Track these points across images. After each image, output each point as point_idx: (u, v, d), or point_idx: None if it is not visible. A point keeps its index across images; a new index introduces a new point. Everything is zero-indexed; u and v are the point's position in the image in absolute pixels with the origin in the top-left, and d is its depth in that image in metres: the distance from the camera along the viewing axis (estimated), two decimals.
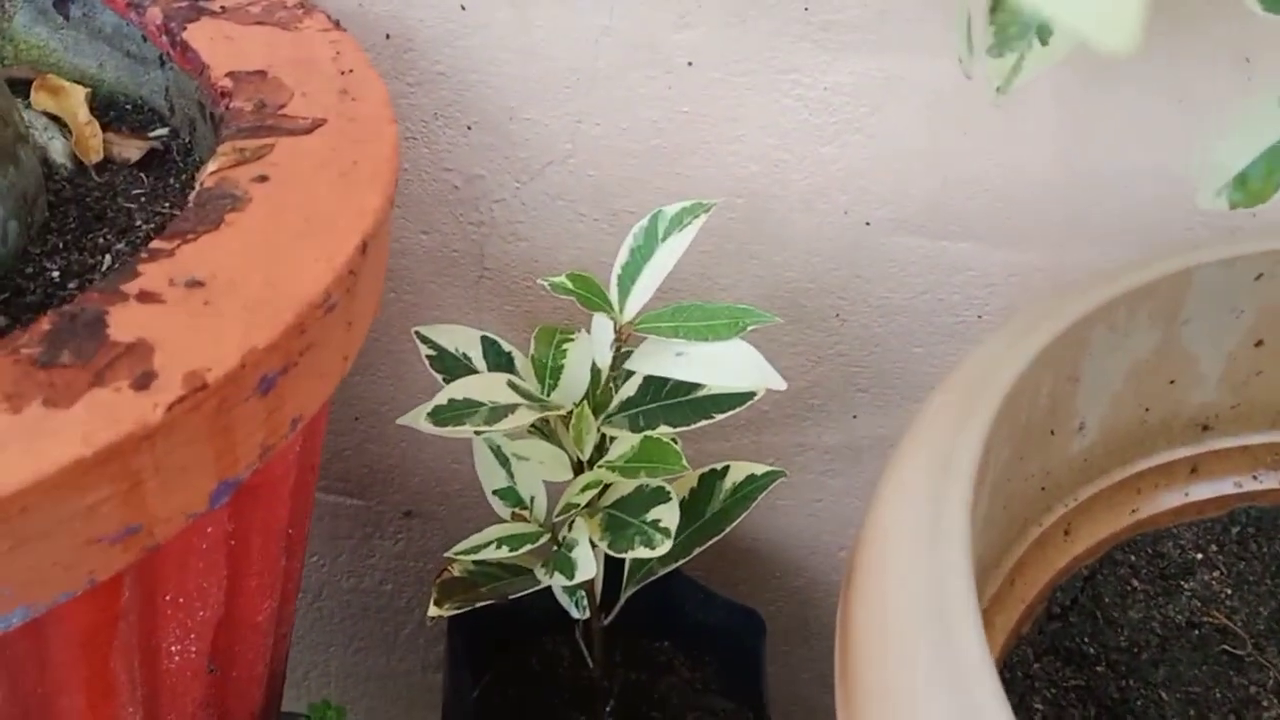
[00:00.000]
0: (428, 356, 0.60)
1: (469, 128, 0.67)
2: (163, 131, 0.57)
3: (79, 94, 0.57)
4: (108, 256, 0.49)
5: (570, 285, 0.55)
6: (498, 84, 0.65)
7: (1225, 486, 0.60)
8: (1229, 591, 0.57)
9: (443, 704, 0.69)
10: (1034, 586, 0.56)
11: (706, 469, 0.62)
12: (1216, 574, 0.58)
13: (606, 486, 0.58)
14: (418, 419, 0.55)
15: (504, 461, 0.61)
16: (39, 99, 0.57)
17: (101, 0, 0.58)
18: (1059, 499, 0.56)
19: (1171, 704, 0.53)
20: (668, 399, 0.57)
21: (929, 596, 0.39)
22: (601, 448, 0.59)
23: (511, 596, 0.58)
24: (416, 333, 0.61)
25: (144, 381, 0.36)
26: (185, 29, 0.54)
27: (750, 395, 0.56)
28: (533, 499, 0.61)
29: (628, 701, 0.70)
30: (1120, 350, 0.54)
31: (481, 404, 0.54)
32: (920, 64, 0.61)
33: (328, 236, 0.43)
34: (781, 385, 0.53)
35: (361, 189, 0.46)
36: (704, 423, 0.56)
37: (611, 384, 0.59)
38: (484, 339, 0.61)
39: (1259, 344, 0.57)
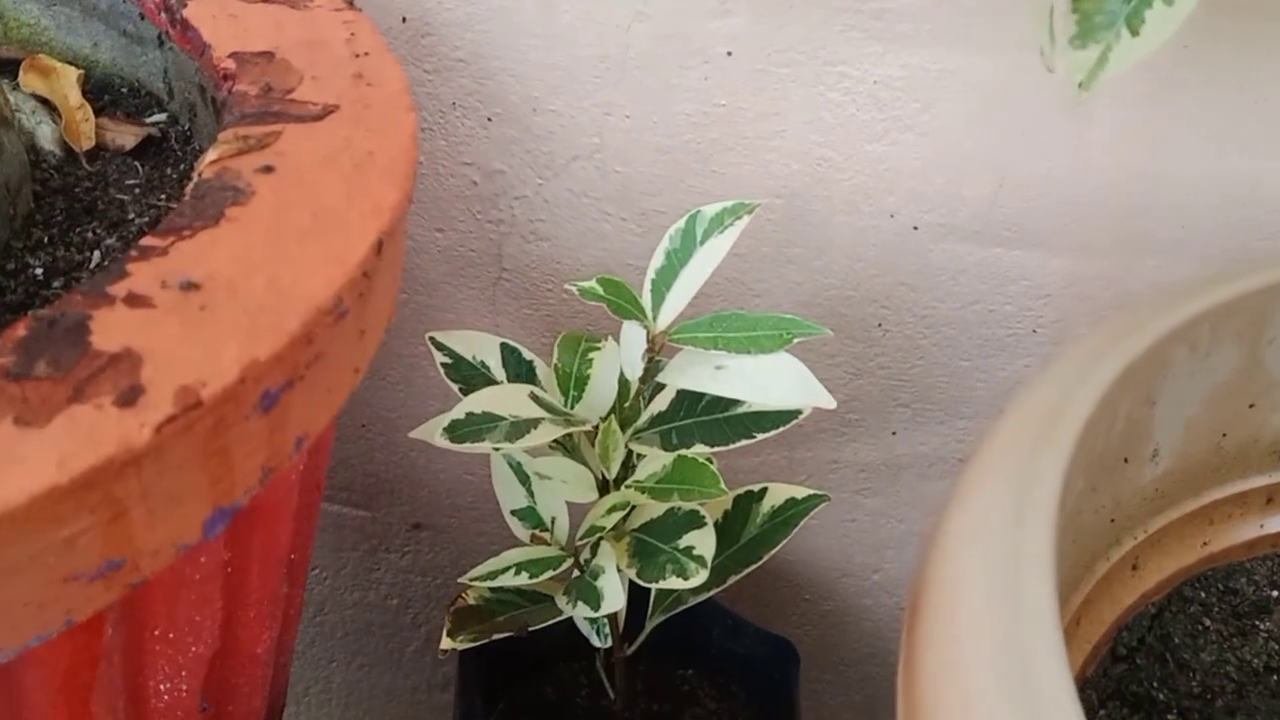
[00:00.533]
0: (443, 364, 0.56)
1: (489, 119, 0.62)
2: (160, 117, 0.53)
3: (71, 76, 0.53)
4: (97, 253, 0.45)
5: (600, 290, 0.51)
6: (521, 72, 0.60)
7: None
8: None
9: None
10: (1100, 626, 0.52)
11: (742, 490, 0.57)
12: None
13: (633, 508, 0.54)
14: (433, 434, 0.50)
15: (524, 480, 0.57)
16: (28, 80, 0.53)
17: None
18: (1128, 531, 0.52)
19: None
20: (703, 415, 0.53)
21: (1011, 654, 0.34)
22: (628, 466, 0.55)
23: (532, 629, 0.54)
24: (431, 339, 0.57)
25: (130, 397, 0.32)
26: (185, 6, 0.50)
27: (795, 414, 0.51)
28: (554, 520, 0.57)
29: None
30: (1200, 371, 0.49)
31: (502, 418, 0.50)
32: (978, 58, 0.57)
33: (339, 235, 0.39)
34: (831, 404, 0.48)
35: (377, 182, 0.41)
36: (744, 442, 0.51)
37: (641, 398, 0.54)
38: (503, 346, 0.57)
39: None
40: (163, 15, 0.51)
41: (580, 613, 0.52)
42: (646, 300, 0.51)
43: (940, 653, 0.37)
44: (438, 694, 0.89)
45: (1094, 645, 0.51)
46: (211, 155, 0.41)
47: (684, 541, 0.51)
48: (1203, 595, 0.54)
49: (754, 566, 0.56)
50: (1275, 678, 0.51)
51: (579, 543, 0.54)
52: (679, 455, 0.52)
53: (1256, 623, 0.54)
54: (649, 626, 0.59)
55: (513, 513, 0.57)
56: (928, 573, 0.40)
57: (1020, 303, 0.63)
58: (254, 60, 0.47)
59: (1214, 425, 0.52)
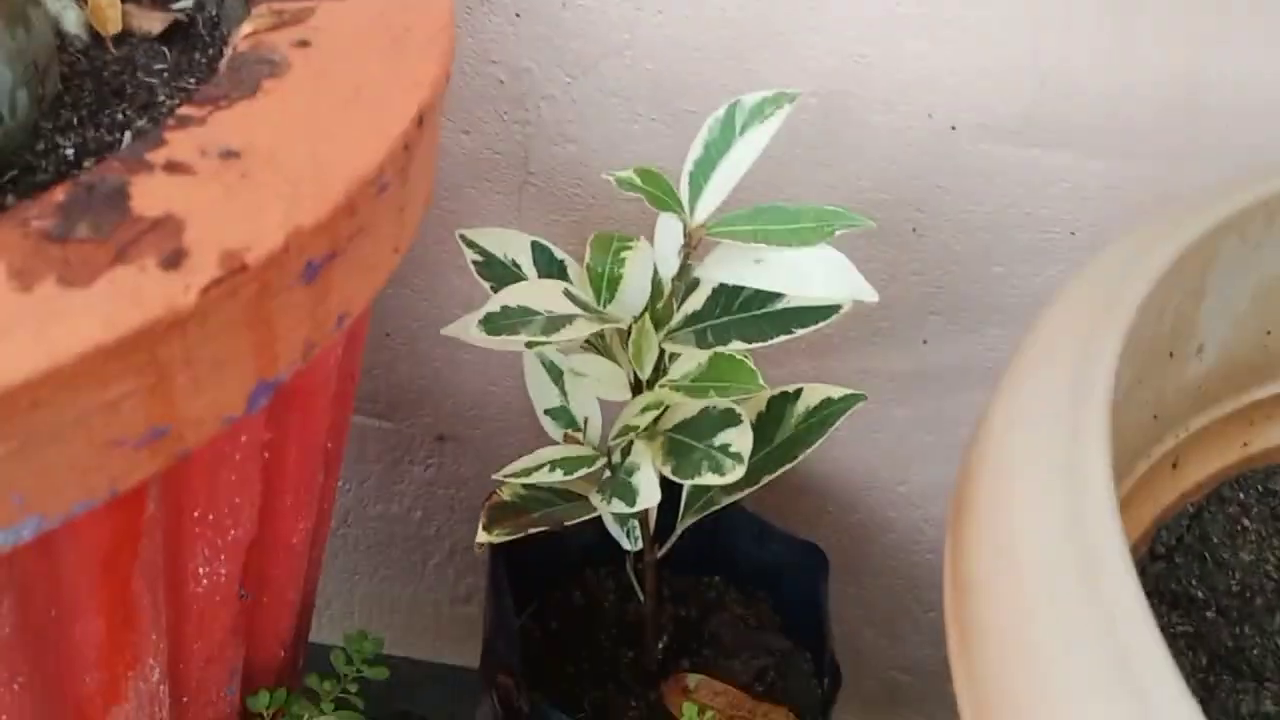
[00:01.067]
0: (474, 262, 0.55)
1: (517, 15, 0.61)
2: (187, 3, 0.51)
3: None
4: (128, 134, 0.44)
5: (638, 181, 0.50)
6: None
7: None
8: None
9: (484, 633, 0.64)
10: (1139, 525, 0.51)
11: (777, 391, 0.57)
12: None
13: (666, 409, 0.53)
14: (466, 328, 0.50)
15: (557, 379, 0.56)
16: None
17: None
18: (1170, 428, 0.51)
19: None
20: (740, 312, 0.52)
21: (1070, 527, 0.34)
22: (660, 367, 0.54)
23: (567, 524, 0.53)
24: (461, 236, 0.56)
25: (174, 260, 0.31)
26: None
27: (836, 309, 0.50)
28: (587, 420, 0.56)
29: (678, 638, 0.66)
30: (1250, 265, 0.48)
31: (537, 313, 0.49)
32: None
33: (380, 107, 0.38)
34: (874, 297, 0.47)
35: (415, 57, 0.40)
36: (783, 338, 0.50)
37: (674, 297, 0.54)
38: (534, 244, 0.56)
39: None
40: None
41: (616, 509, 0.51)
42: (684, 192, 0.50)
43: (993, 530, 0.36)
44: (460, 606, 0.89)
45: (1133, 543, 0.50)
46: (246, 28, 0.40)
47: (720, 439, 0.51)
48: (1241, 496, 0.54)
49: (788, 466, 0.55)
50: None
51: (612, 442, 0.54)
52: (715, 352, 0.51)
53: None
54: (680, 528, 0.59)
55: (546, 412, 0.56)
56: (977, 453, 0.39)
57: (1058, 206, 0.62)
58: None
59: (1260, 322, 0.51)
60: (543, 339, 0.48)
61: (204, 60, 0.49)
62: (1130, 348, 0.41)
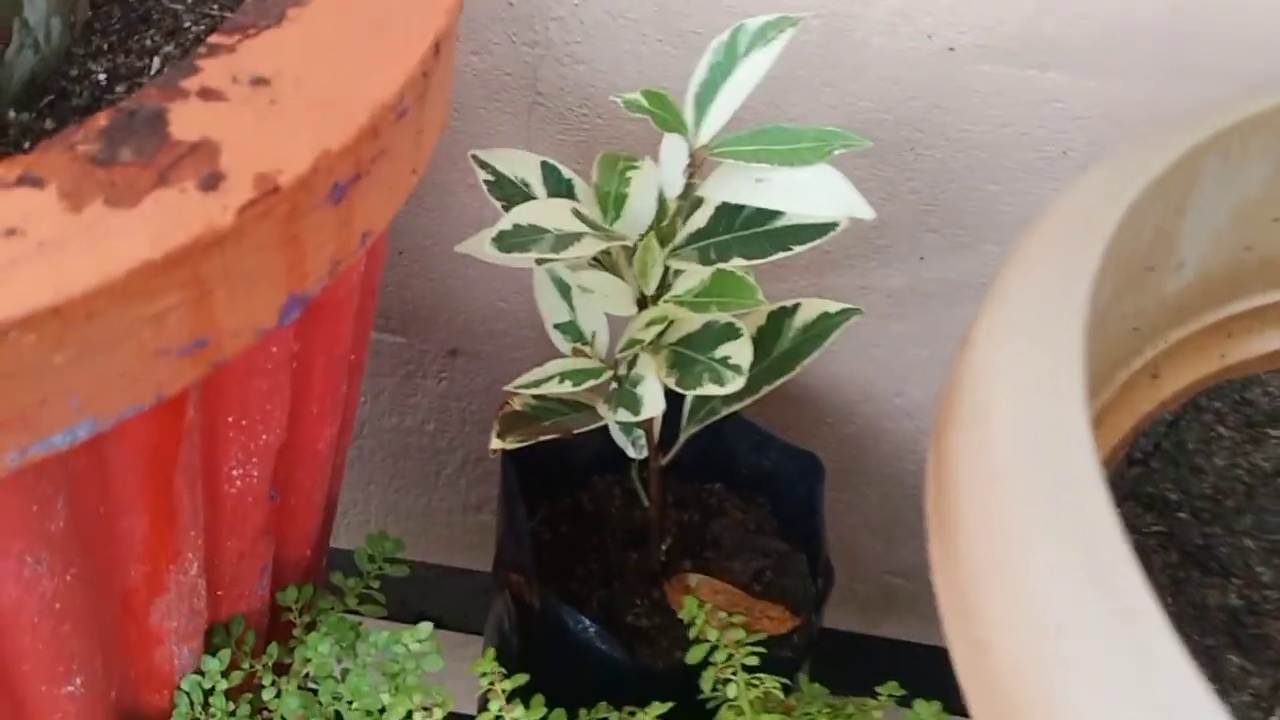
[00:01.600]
0: (485, 181, 0.57)
1: None
2: None
3: None
4: (156, 59, 0.46)
5: (644, 103, 0.51)
6: None
7: None
8: None
9: (497, 534, 0.68)
10: (1118, 432, 0.54)
11: (775, 306, 0.59)
12: None
13: (670, 323, 0.56)
14: (480, 246, 0.52)
15: (565, 294, 0.59)
16: None
17: None
18: (1149, 341, 0.54)
19: (1257, 552, 0.51)
20: (742, 229, 0.54)
21: (1042, 430, 0.36)
22: (665, 283, 0.56)
23: (576, 431, 0.56)
24: (474, 156, 0.58)
25: (212, 183, 0.33)
26: None
27: (833, 226, 0.53)
28: (594, 334, 0.59)
29: (681, 541, 0.69)
30: (1230, 183, 0.50)
31: (547, 231, 0.52)
32: None
33: (398, 34, 0.40)
34: (870, 214, 0.50)
35: None
36: (781, 255, 0.53)
37: (679, 215, 0.56)
38: (544, 164, 0.58)
39: None
40: None
41: (622, 417, 0.54)
42: (689, 114, 0.52)
43: (971, 432, 0.39)
44: (472, 514, 0.92)
45: (1112, 449, 0.53)
46: None
47: (720, 352, 0.53)
48: (1218, 405, 0.56)
49: (786, 377, 0.58)
50: None
51: (618, 355, 0.56)
52: (717, 269, 0.53)
53: (1269, 430, 0.56)
54: (683, 436, 0.62)
55: (555, 326, 0.59)
56: (961, 364, 0.42)
57: (1053, 125, 0.64)
58: None
59: (1239, 239, 0.53)
60: (552, 256, 0.51)
61: None
62: (1110, 263, 0.44)
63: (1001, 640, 0.34)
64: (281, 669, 0.52)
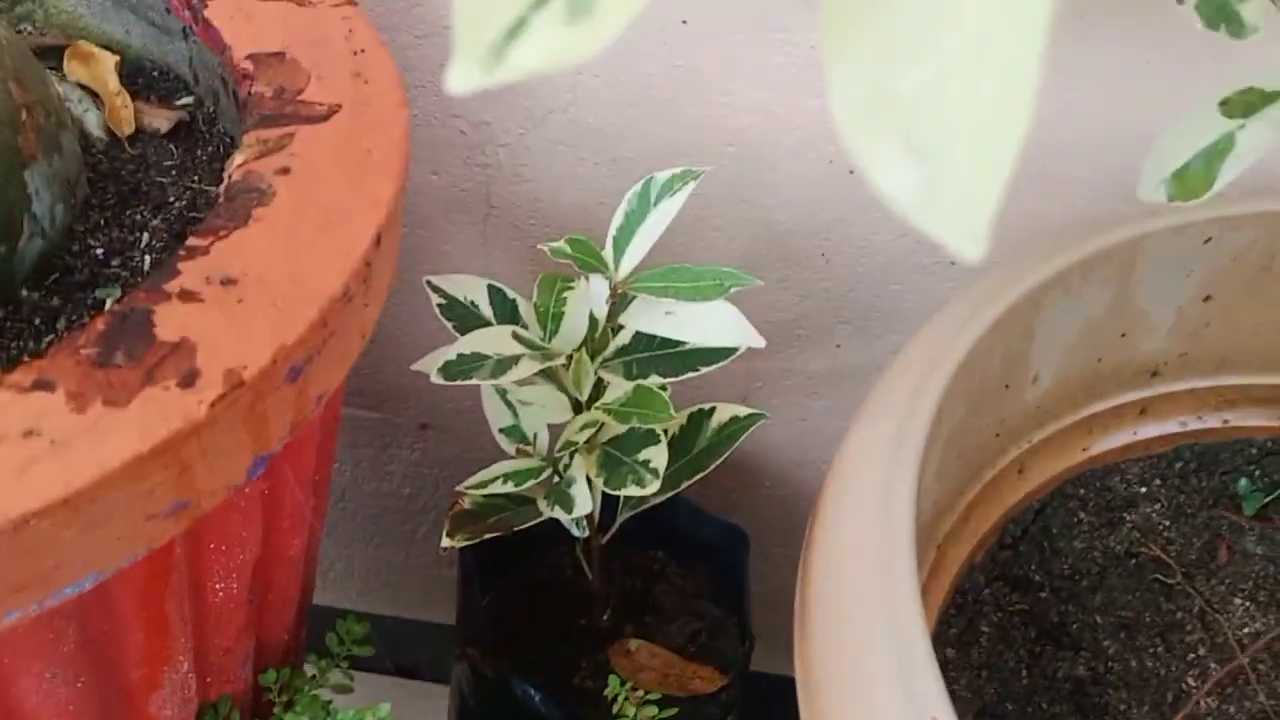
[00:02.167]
0: (438, 305, 0.65)
1: None
2: (188, 100, 0.61)
3: (109, 62, 0.61)
4: (145, 234, 0.54)
5: (568, 250, 0.60)
6: None
7: (1171, 426, 0.65)
8: (1167, 523, 0.63)
9: (457, 614, 0.76)
10: (987, 521, 0.62)
11: (695, 409, 0.67)
12: (1158, 506, 0.64)
13: (602, 425, 0.64)
14: (431, 368, 0.60)
15: (509, 404, 0.67)
16: (71, 68, 0.61)
17: None
18: (1013, 442, 0.61)
19: (1105, 627, 0.59)
20: (658, 350, 0.62)
21: (878, 566, 0.44)
22: (599, 389, 0.64)
23: (516, 528, 0.64)
24: (428, 283, 0.66)
25: (189, 380, 0.41)
26: (206, 5, 0.58)
27: (732, 350, 0.61)
28: (535, 435, 0.67)
29: (625, 606, 0.77)
30: (1074, 310, 0.58)
31: (488, 357, 0.60)
32: None
33: (344, 230, 0.48)
34: (760, 343, 0.58)
35: (374, 178, 0.50)
36: (689, 375, 0.61)
37: (609, 331, 0.64)
38: (490, 287, 0.66)
39: (1207, 299, 0.62)
40: (186, 11, 0.59)
41: (557, 514, 0.62)
42: (609, 254, 0.60)
43: (827, 555, 0.47)
44: (445, 569, 1.00)
45: (981, 537, 0.61)
46: (238, 159, 0.50)
47: (642, 455, 0.61)
48: (1081, 492, 0.64)
49: (703, 474, 0.66)
50: (1133, 561, 0.62)
51: (557, 454, 0.64)
52: (638, 385, 0.61)
53: (1124, 514, 0.64)
54: (618, 521, 0.70)
55: (500, 430, 0.67)
56: (827, 488, 0.50)
57: None
58: (268, 61, 0.55)
59: (1090, 351, 0.61)
60: (492, 381, 0.59)
61: (204, 157, 0.58)
62: (955, 393, 0.52)
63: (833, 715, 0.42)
64: None
